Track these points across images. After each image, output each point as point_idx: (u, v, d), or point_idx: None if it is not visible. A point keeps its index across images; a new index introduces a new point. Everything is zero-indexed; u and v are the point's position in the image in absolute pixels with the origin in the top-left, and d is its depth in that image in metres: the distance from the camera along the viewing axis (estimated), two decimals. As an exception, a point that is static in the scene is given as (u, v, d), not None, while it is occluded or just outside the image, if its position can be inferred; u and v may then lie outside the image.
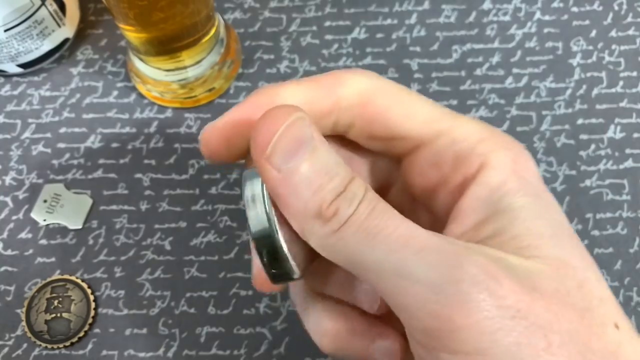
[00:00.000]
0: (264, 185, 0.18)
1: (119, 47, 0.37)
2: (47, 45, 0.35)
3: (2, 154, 0.35)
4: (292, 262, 0.18)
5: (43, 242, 0.33)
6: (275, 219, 0.18)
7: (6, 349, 0.31)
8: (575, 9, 0.37)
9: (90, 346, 0.31)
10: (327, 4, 0.38)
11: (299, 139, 0.17)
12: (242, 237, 0.33)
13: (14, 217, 0.33)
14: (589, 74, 0.36)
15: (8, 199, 0.34)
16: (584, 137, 0.34)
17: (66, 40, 0.36)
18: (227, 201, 0.33)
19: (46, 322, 0.31)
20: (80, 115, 0.35)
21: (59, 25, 0.35)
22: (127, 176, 0.34)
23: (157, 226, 0.33)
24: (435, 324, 0.16)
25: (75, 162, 0.34)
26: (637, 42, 0.36)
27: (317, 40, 0.37)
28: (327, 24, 0.37)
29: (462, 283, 0.16)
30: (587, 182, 0.33)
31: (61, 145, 0.35)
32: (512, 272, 0.16)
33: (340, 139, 0.21)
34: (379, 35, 0.37)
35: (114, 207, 0.33)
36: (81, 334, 0.31)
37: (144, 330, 0.31)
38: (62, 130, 0.35)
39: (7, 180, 0.34)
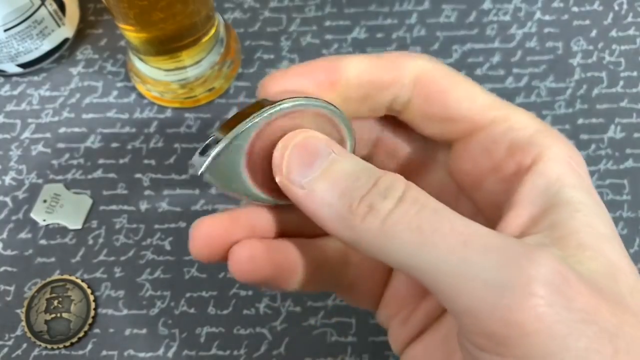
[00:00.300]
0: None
1: (119, 47, 0.37)
2: (46, 45, 0.35)
3: (1, 154, 0.35)
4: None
5: (43, 242, 0.33)
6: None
7: (6, 349, 0.31)
8: (575, 9, 0.37)
9: (90, 346, 0.31)
10: (327, 3, 0.38)
11: (313, 152, 0.18)
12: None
13: (13, 217, 0.33)
14: (589, 74, 0.35)
15: (8, 199, 0.34)
16: (584, 137, 0.34)
17: (66, 40, 0.36)
18: (227, 201, 0.33)
19: (46, 322, 0.31)
20: (80, 115, 0.35)
21: (58, 25, 0.35)
22: (126, 176, 0.34)
23: (157, 226, 0.33)
24: (503, 329, 0.15)
25: (75, 162, 0.34)
26: (637, 42, 0.36)
27: (317, 40, 0.37)
28: (327, 23, 0.37)
29: (532, 285, 0.15)
30: (588, 182, 0.33)
31: (61, 145, 0.35)
32: (578, 272, 0.16)
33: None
34: (379, 35, 0.37)
35: (113, 207, 0.33)
36: (81, 334, 0.31)
37: (144, 331, 0.31)
38: (62, 130, 0.35)
39: (7, 180, 0.34)
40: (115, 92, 0.36)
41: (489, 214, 0.20)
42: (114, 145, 0.35)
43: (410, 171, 0.22)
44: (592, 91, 0.35)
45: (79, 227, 0.33)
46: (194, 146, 0.35)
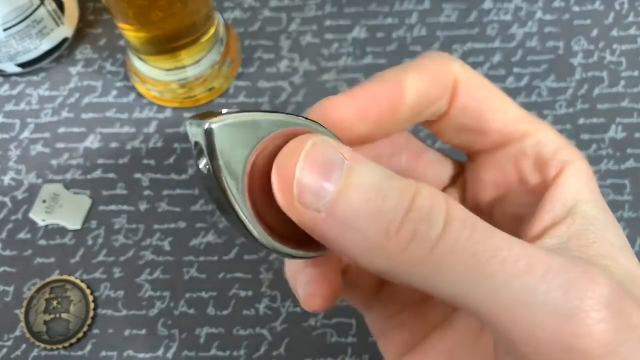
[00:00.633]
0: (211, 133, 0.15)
1: (118, 46, 0.37)
2: (45, 45, 0.35)
3: (0, 153, 0.35)
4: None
5: (42, 242, 0.33)
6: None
7: (5, 350, 0.31)
8: (576, 8, 0.37)
9: (89, 347, 0.31)
10: (327, 3, 0.38)
11: (327, 162, 0.15)
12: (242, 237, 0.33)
13: (12, 218, 0.33)
14: (590, 74, 0.35)
15: (7, 199, 0.34)
16: (585, 136, 0.34)
17: (65, 39, 0.36)
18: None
19: (45, 322, 0.31)
20: (79, 115, 0.35)
21: (57, 25, 0.35)
22: (126, 176, 0.34)
23: (156, 226, 0.33)
24: (567, 356, 0.14)
25: (74, 162, 0.34)
26: (638, 42, 0.36)
27: (317, 39, 0.37)
28: (327, 23, 0.37)
29: (597, 309, 0.14)
30: (589, 182, 0.33)
31: (60, 145, 0.35)
32: (622, 285, 0.15)
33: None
34: (380, 35, 0.37)
35: (113, 207, 0.33)
36: (80, 334, 0.31)
37: (143, 331, 0.31)
38: (61, 130, 0.35)
39: (6, 180, 0.34)
40: (114, 92, 0.36)
41: (506, 226, 0.20)
42: (113, 145, 0.35)
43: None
44: (593, 91, 0.35)
45: (78, 227, 0.33)
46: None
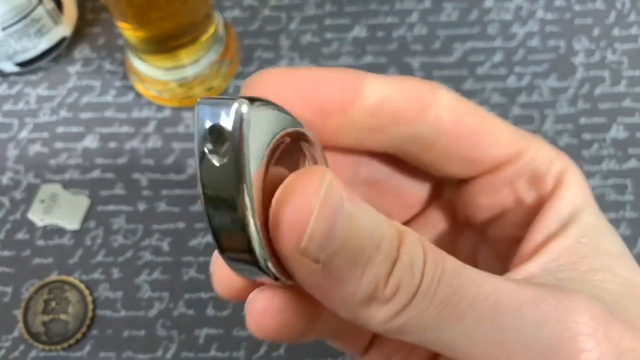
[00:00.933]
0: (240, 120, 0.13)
1: (117, 45, 0.37)
2: (44, 44, 0.35)
3: (-1, 153, 0.35)
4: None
5: (40, 242, 0.33)
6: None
7: (3, 351, 0.31)
8: (577, 8, 0.37)
9: (88, 348, 0.31)
10: (327, 2, 0.37)
11: (335, 208, 0.13)
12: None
13: (11, 218, 0.33)
14: (591, 73, 0.35)
15: (5, 199, 0.33)
16: (586, 136, 0.34)
17: (64, 39, 0.36)
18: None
19: (44, 323, 0.31)
20: (77, 115, 0.35)
21: (56, 24, 0.35)
22: (125, 176, 0.34)
23: (155, 227, 0.33)
24: None
25: (72, 161, 0.34)
26: (639, 41, 0.36)
27: (318, 38, 0.37)
28: (328, 22, 0.37)
29: (579, 339, 0.13)
30: (590, 182, 0.33)
31: (58, 144, 0.35)
32: (610, 306, 0.15)
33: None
34: (380, 34, 0.37)
35: (111, 207, 0.33)
36: (79, 335, 0.31)
37: (142, 332, 0.31)
38: (60, 129, 0.35)
39: (4, 180, 0.34)
40: (113, 91, 0.36)
41: (502, 248, 0.19)
42: (112, 145, 0.34)
43: (405, 214, 0.21)
44: (594, 90, 0.35)
45: (77, 227, 0.33)
46: (193, 146, 0.34)
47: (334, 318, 0.15)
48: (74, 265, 0.32)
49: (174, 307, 0.31)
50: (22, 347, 0.31)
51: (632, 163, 0.33)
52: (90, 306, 0.31)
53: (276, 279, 0.14)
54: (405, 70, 0.35)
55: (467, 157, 0.18)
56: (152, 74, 0.34)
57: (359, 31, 0.37)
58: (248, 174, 0.13)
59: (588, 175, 0.33)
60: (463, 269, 0.14)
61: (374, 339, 0.20)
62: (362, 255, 0.13)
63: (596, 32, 0.36)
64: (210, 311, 0.31)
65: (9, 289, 0.32)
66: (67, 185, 0.34)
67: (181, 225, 0.33)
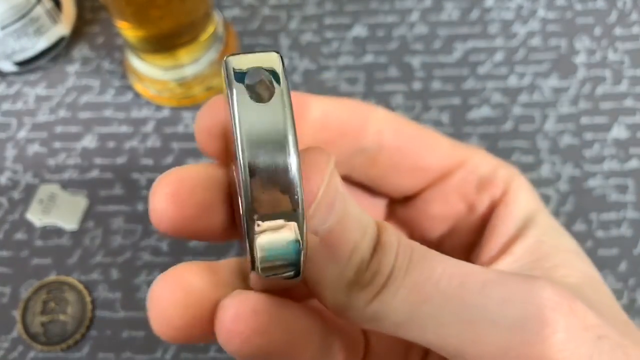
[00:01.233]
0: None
1: (116, 45, 0.37)
2: (43, 43, 0.35)
3: (-3, 153, 0.34)
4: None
5: (39, 243, 0.32)
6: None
7: (2, 352, 0.31)
8: (578, 7, 0.37)
9: (87, 349, 0.31)
10: (328, 1, 0.37)
11: (335, 189, 0.14)
12: (241, 238, 0.32)
13: (9, 218, 0.33)
14: (592, 73, 0.35)
15: (4, 199, 0.33)
16: (587, 136, 0.34)
17: (62, 38, 0.36)
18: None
19: (42, 324, 0.31)
20: (76, 114, 0.35)
21: (55, 23, 0.35)
22: (123, 176, 0.34)
23: (154, 227, 0.32)
24: None
25: (71, 161, 0.34)
26: (641, 40, 0.36)
27: (318, 38, 0.36)
28: (328, 21, 0.37)
29: (545, 313, 0.14)
30: (591, 182, 0.33)
31: (57, 144, 0.34)
32: (579, 290, 0.15)
33: None
34: (380, 33, 0.36)
35: (110, 207, 0.33)
36: (78, 336, 0.30)
37: (142, 333, 0.31)
38: (58, 129, 0.35)
39: (3, 180, 0.34)
40: (112, 91, 0.36)
41: (457, 257, 0.20)
42: (111, 144, 0.34)
43: None
44: (595, 90, 0.35)
45: (76, 227, 0.33)
46: (192, 146, 0.34)
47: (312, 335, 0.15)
48: (73, 265, 0.32)
49: (173, 307, 0.31)
50: (20, 347, 0.31)
51: (633, 163, 0.33)
52: (89, 307, 0.31)
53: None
54: (406, 69, 0.35)
55: (411, 167, 0.19)
56: (151, 73, 0.34)
57: (359, 30, 0.37)
58: (292, 114, 0.13)
59: (589, 175, 0.33)
60: (429, 252, 0.15)
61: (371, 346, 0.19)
62: (351, 238, 0.14)
63: (597, 31, 0.36)
64: (209, 312, 0.31)
65: (7, 290, 0.32)
66: (66, 185, 0.34)
67: (180, 225, 0.33)
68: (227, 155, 0.16)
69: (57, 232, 0.33)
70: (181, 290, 0.14)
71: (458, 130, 0.34)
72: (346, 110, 0.18)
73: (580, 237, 0.31)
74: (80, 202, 0.33)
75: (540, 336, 0.13)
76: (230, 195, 0.16)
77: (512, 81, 0.35)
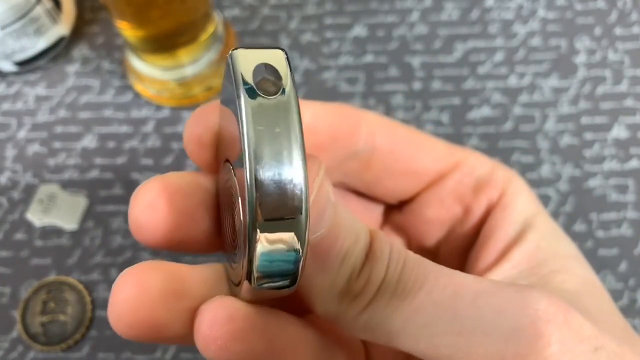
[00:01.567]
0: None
1: (116, 45, 0.37)
2: (42, 43, 0.35)
3: (-3, 153, 0.34)
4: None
5: (39, 243, 0.32)
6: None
7: (1, 352, 0.31)
8: (579, 7, 0.37)
9: (86, 349, 0.31)
10: (328, 1, 0.37)
11: (326, 197, 0.14)
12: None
13: (9, 218, 0.33)
14: (592, 73, 0.35)
15: (3, 199, 0.33)
16: (588, 136, 0.34)
17: (62, 38, 0.36)
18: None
19: (42, 324, 0.31)
20: (76, 114, 0.35)
21: (54, 23, 0.35)
22: (123, 176, 0.34)
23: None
24: None
25: (71, 161, 0.34)
26: (641, 40, 0.36)
27: (318, 38, 0.36)
28: (328, 21, 0.37)
29: (538, 324, 0.13)
30: (591, 182, 0.33)
31: (57, 144, 0.34)
32: (570, 301, 0.15)
33: None
34: (380, 33, 0.36)
35: (110, 207, 0.33)
36: (77, 336, 0.30)
37: (141, 333, 0.31)
38: (58, 129, 0.35)
39: (3, 180, 0.34)
40: (112, 91, 0.35)
41: (451, 263, 0.19)
42: (111, 144, 0.34)
43: None
44: (595, 90, 0.35)
45: (75, 227, 0.33)
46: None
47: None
48: (73, 265, 0.32)
49: (173, 307, 0.31)
50: (20, 348, 0.31)
51: (633, 163, 0.33)
52: (89, 307, 0.31)
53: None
54: (406, 69, 0.35)
55: (405, 170, 0.19)
56: (151, 73, 0.34)
57: (359, 30, 0.36)
58: (299, 109, 0.12)
59: (589, 175, 0.33)
60: (423, 262, 0.15)
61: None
62: (342, 246, 0.14)
63: (597, 31, 0.36)
64: (209, 312, 0.31)
65: (7, 290, 0.32)
66: (66, 185, 0.33)
67: (180, 225, 0.33)
68: (217, 163, 0.16)
69: (57, 232, 0.33)
70: (137, 288, 0.14)
71: (458, 130, 0.34)
72: (337, 114, 0.18)
73: (580, 237, 0.31)
74: (80, 202, 0.33)
75: (533, 348, 0.13)
76: (217, 204, 0.16)
77: (512, 81, 0.35)
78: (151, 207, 0.14)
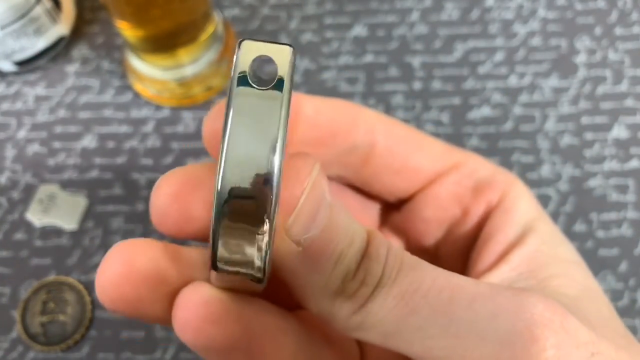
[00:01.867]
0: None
1: (116, 45, 0.37)
2: (42, 43, 0.35)
3: (-3, 153, 0.34)
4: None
5: (38, 243, 0.32)
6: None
7: (1, 352, 0.31)
8: (579, 7, 0.37)
9: (86, 349, 0.30)
10: (328, 1, 0.37)
11: (319, 198, 0.14)
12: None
13: (9, 218, 0.33)
14: (593, 73, 0.35)
15: (3, 199, 0.33)
16: (588, 136, 0.34)
17: (62, 38, 0.36)
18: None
19: (42, 324, 0.31)
20: (76, 114, 0.35)
21: (54, 23, 0.35)
22: (123, 176, 0.34)
23: (153, 227, 0.32)
24: None
25: (70, 161, 0.34)
26: (641, 40, 0.36)
27: (318, 38, 0.36)
28: (328, 21, 0.37)
29: (534, 329, 0.13)
30: (592, 182, 0.33)
31: (57, 144, 0.34)
32: (569, 307, 0.15)
33: None
34: (380, 33, 0.36)
35: (110, 207, 0.33)
36: (77, 336, 0.30)
37: (141, 333, 0.31)
38: (58, 129, 0.35)
39: (2, 180, 0.34)
40: (111, 91, 0.35)
41: (453, 264, 0.19)
42: (111, 144, 0.34)
43: None
44: (596, 90, 0.35)
45: (75, 227, 0.33)
46: (192, 146, 0.34)
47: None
48: (73, 265, 0.32)
49: (173, 308, 0.31)
50: (20, 348, 0.31)
51: (634, 163, 0.33)
52: (89, 307, 0.31)
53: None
54: (406, 69, 0.35)
55: (403, 167, 0.19)
56: (151, 73, 0.34)
57: (359, 30, 0.36)
58: (287, 116, 0.12)
59: (589, 175, 0.33)
60: (419, 263, 0.14)
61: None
62: (336, 248, 0.14)
63: (598, 31, 0.36)
64: (209, 312, 0.31)
65: (7, 290, 0.32)
66: (66, 185, 0.33)
67: (180, 225, 0.33)
68: None
69: (57, 232, 0.33)
70: (124, 267, 0.14)
71: (458, 130, 0.34)
72: (337, 108, 0.18)
73: (580, 237, 0.31)
74: (79, 202, 0.33)
75: (529, 352, 0.13)
76: None
77: (513, 81, 0.35)
78: (175, 197, 0.15)
